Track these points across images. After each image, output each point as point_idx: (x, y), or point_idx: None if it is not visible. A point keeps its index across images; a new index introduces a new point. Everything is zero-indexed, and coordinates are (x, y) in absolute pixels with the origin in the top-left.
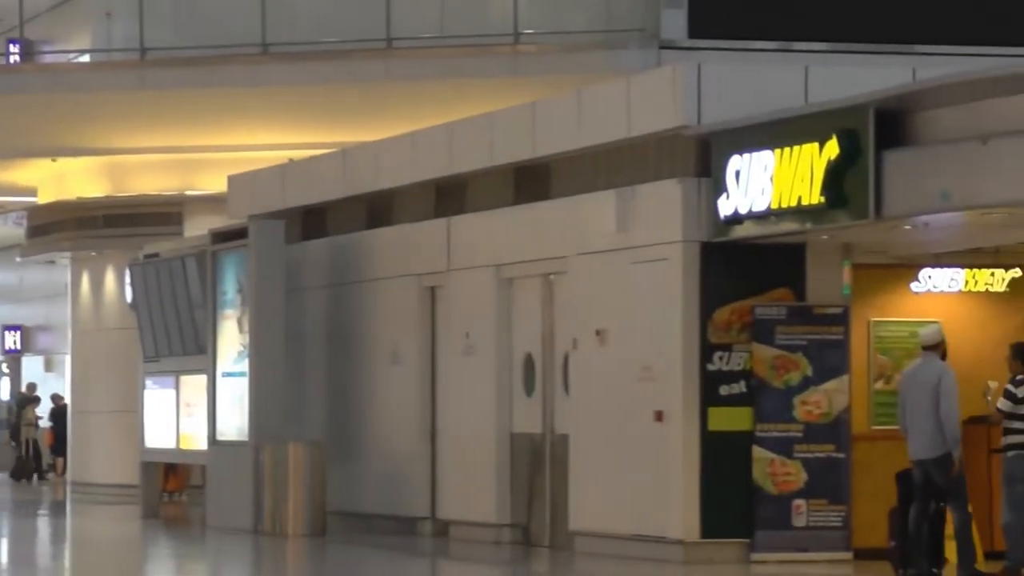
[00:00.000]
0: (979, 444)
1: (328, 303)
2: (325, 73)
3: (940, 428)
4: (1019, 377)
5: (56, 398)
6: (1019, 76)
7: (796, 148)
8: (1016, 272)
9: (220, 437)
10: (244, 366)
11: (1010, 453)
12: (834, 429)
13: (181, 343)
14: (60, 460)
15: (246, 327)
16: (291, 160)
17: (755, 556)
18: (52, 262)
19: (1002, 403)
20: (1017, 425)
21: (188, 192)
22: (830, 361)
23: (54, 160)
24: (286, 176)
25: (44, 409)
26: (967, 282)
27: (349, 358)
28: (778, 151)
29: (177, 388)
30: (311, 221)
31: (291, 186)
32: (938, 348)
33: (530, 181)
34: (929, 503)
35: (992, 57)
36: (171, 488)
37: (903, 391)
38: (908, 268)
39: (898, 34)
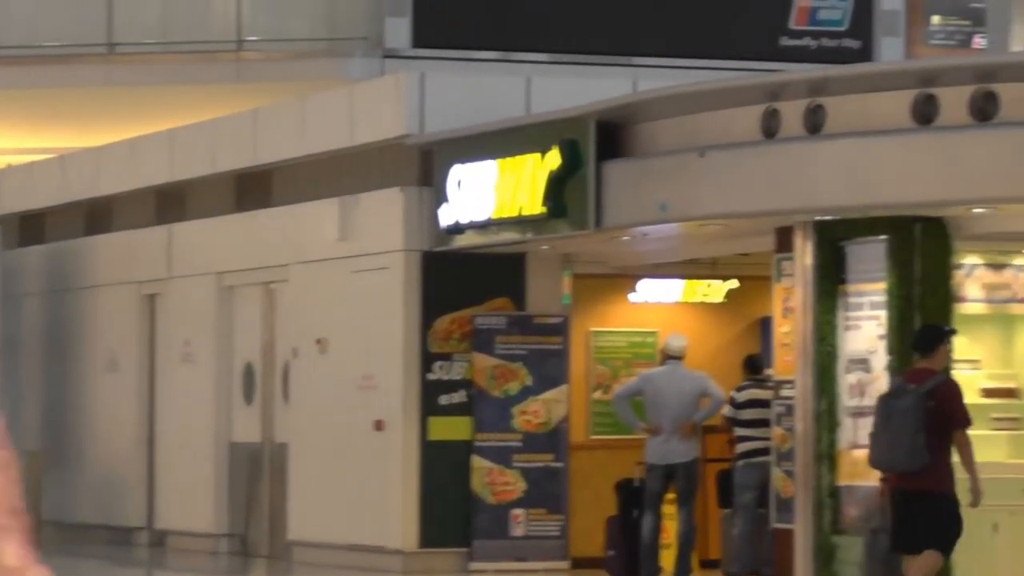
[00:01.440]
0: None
1: (46, 310)
2: (43, 78)
3: (697, 432)
4: (742, 384)
5: None
6: (735, 89)
7: (517, 158)
8: (733, 283)
9: None
10: None
11: (739, 462)
12: (553, 439)
13: None
14: None
15: None
16: (8, 165)
17: (473, 565)
18: None
19: (727, 410)
20: (743, 433)
21: None
22: (549, 371)
23: None
24: (2, 181)
25: None
26: (685, 293)
27: (66, 366)
28: (500, 161)
29: None
30: (29, 227)
31: (7, 192)
32: (684, 358)
33: (252, 189)
34: (661, 509)
35: (710, 70)
36: None
37: (652, 394)
38: (627, 278)
39: (619, 46)
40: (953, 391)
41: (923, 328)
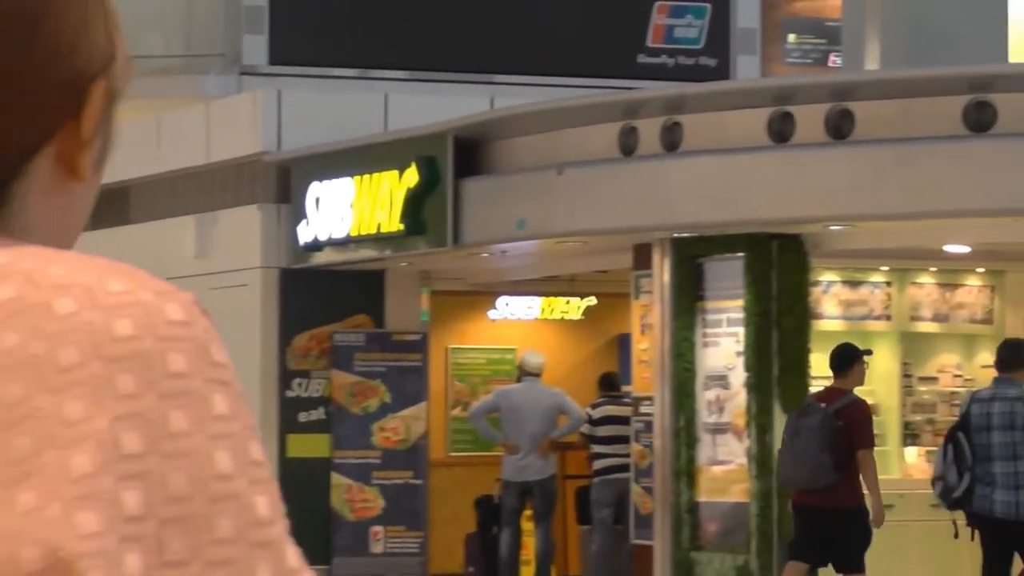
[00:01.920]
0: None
1: None
2: None
3: (554, 449)
4: (597, 401)
5: None
6: (593, 107)
7: (376, 175)
8: (591, 300)
9: None
10: None
11: (596, 479)
12: (412, 456)
13: None
14: None
15: None
16: None
17: None
18: None
19: (584, 427)
20: (599, 450)
21: None
22: (408, 388)
23: None
24: None
25: None
26: (543, 310)
27: None
28: (357, 178)
29: None
30: None
31: None
32: (541, 375)
33: (109, 205)
34: (519, 526)
35: (568, 88)
36: None
37: (508, 410)
38: (486, 295)
39: (477, 63)
40: (860, 411)
41: (838, 348)
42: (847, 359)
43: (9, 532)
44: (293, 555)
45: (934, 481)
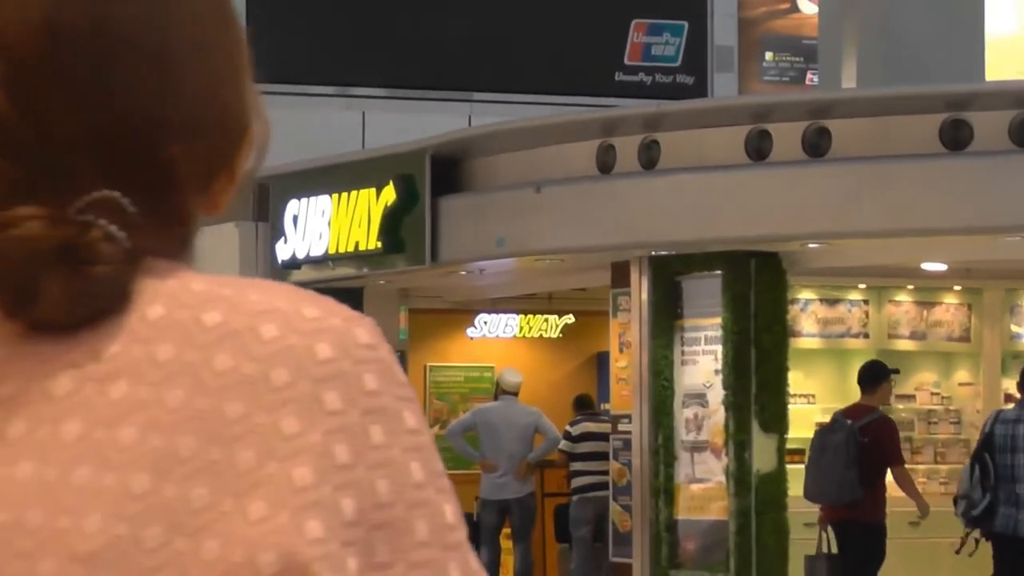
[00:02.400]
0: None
1: None
2: None
3: (532, 471)
4: (575, 419)
5: None
6: (571, 124)
7: (354, 193)
8: (569, 318)
9: None
10: None
11: (574, 497)
12: None
13: None
14: None
15: None
16: None
17: None
18: None
19: (563, 444)
20: (578, 467)
21: None
22: None
23: None
24: None
25: None
26: (522, 328)
27: None
28: (335, 196)
29: None
30: None
31: None
32: (518, 393)
33: None
34: (499, 544)
35: (546, 106)
36: None
37: (485, 428)
38: (464, 313)
39: (455, 81)
40: (888, 428)
41: (868, 364)
42: (876, 376)
43: (245, 538)
44: (474, 558)
45: (957, 499)
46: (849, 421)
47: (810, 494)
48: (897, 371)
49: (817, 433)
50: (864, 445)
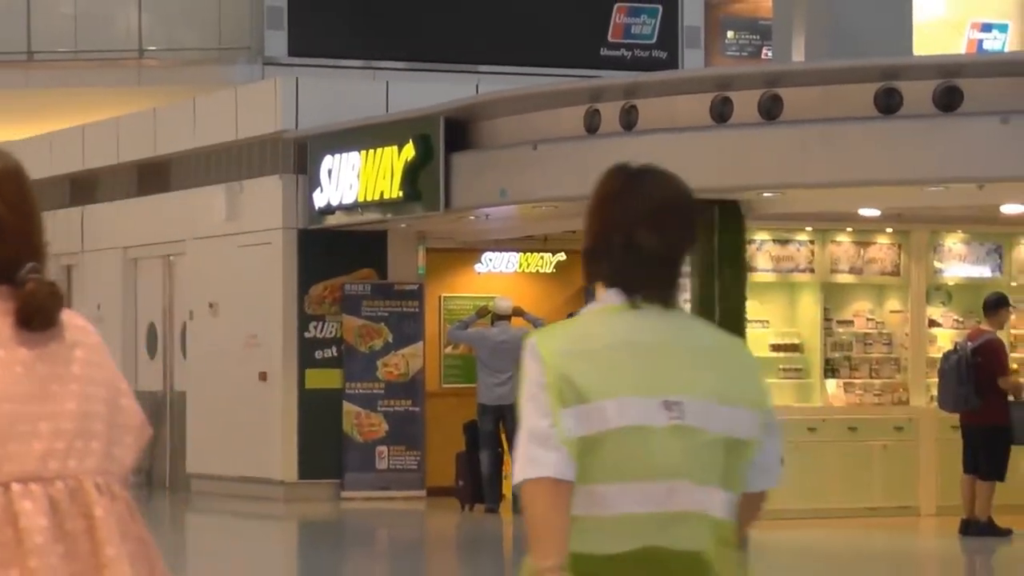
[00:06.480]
0: None
1: None
2: None
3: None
4: None
5: None
6: (562, 93)
7: (379, 150)
8: (561, 256)
9: None
10: None
11: None
12: (411, 387)
13: None
14: None
15: None
16: None
17: (345, 494)
18: None
19: None
20: None
21: None
22: (408, 330)
23: None
24: None
25: None
26: (521, 264)
27: None
28: (363, 152)
29: None
30: None
31: None
32: (511, 317)
33: (152, 176)
34: (500, 447)
35: (541, 76)
36: None
37: (488, 349)
38: (473, 252)
39: (464, 56)
40: (996, 348)
41: (992, 294)
42: (996, 304)
43: (129, 408)
44: None
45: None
46: (969, 344)
47: (939, 405)
48: (1011, 303)
49: (943, 356)
50: (977, 364)
